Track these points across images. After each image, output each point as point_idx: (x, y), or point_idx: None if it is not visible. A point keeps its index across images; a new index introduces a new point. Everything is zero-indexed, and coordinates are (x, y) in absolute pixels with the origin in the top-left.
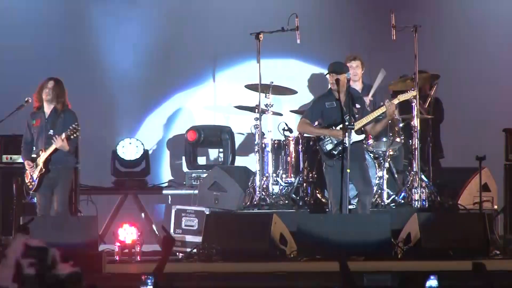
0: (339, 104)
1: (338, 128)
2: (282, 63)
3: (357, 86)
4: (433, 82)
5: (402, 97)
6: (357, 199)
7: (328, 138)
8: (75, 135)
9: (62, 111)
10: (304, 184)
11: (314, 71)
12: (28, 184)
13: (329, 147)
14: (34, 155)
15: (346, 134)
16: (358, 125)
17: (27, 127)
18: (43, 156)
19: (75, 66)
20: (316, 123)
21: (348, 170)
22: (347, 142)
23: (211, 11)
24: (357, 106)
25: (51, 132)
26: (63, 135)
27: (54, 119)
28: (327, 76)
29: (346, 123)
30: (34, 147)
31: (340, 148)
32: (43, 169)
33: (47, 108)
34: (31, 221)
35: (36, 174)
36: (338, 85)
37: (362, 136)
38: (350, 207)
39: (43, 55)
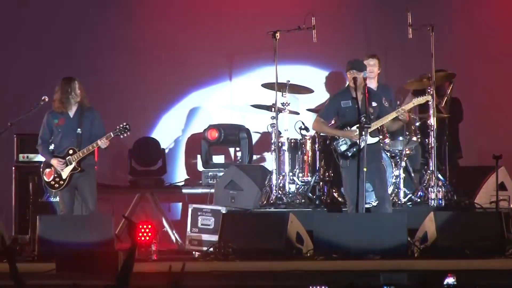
0: (355, 103)
1: (353, 128)
2: (299, 61)
3: (372, 84)
4: (450, 81)
5: (417, 101)
6: (373, 198)
7: (343, 139)
8: (125, 134)
9: (87, 109)
10: (321, 183)
11: (331, 69)
12: (52, 182)
13: (343, 148)
14: (58, 154)
15: (363, 132)
16: (371, 127)
17: (45, 126)
18: (78, 155)
19: (92, 65)
20: (332, 121)
21: (365, 169)
22: (362, 140)
23: (228, 10)
24: (373, 104)
25: (79, 131)
26: (111, 135)
27: (81, 118)
28: (347, 73)
29: (362, 122)
30: (53, 146)
31: (354, 149)
32: (78, 168)
33: (71, 108)
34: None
35: (66, 173)
36: (356, 83)
37: (377, 139)
38: (367, 206)
39: (59, 54)
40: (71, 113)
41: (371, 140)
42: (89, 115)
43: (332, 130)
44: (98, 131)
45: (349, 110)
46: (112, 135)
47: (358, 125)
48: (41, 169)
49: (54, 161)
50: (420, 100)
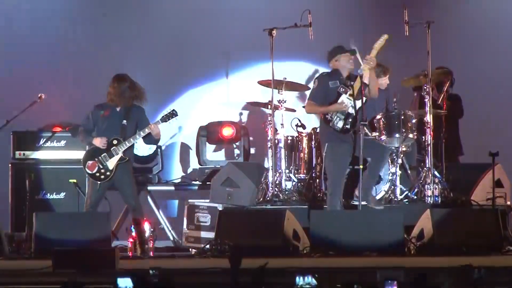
0: (342, 84)
1: (339, 101)
2: (295, 59)
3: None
4: (448, 78)
5: (378, 44)
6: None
7: (336, 116)
8: (173, 120)
9: (134, 106)
10: (317, 180)
11: (327, 67)
12: (97, 174)
13: (340, 124)
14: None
15: (360, 135)
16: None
17: (90, 117)
18: (125, 144)
19: (89, 62)
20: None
21: (361, 167)
22: (361, 142)
23: (224, 7)
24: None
25: (124, 122)
26: (159, 121)
27: (128, 112)
28: (347, 56)
29: (360, 122)
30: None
31: (350, 119)
32: (125, 158)
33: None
34: None
35: (113, 164)
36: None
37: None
38: (363, 203)
39: (56, 52)
40: (118, 107)
41: (358, 103)
42: (136, 111)
43: (323, 108)
44: (144, 127)
45: (336, 90)
46: (161, 122)
47: (353, 124)
48: (82, 162)
49: (96, 141)
50: (381, 41)
